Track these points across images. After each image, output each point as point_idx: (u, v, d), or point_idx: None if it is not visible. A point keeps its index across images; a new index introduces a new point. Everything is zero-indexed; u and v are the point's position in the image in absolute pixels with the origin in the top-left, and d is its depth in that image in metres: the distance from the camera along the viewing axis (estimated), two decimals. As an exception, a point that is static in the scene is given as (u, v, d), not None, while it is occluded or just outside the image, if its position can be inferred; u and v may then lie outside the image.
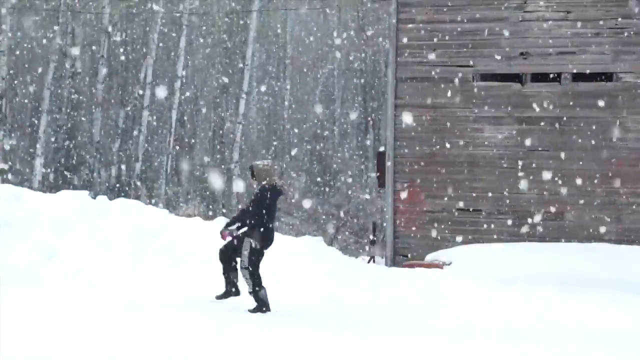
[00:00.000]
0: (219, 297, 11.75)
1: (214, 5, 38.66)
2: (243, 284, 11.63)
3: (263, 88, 40.05)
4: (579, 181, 18.03)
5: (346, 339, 9.68)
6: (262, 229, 11.42)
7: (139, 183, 33.31)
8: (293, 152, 37.24)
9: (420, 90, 19.00)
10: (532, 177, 18.28)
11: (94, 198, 16.21)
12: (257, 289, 11.40)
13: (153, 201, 30.41)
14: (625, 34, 17.97)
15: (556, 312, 12.81)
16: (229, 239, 11.51)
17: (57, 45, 32.01)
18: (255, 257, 11.45)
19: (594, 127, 18.03)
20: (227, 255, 11.66)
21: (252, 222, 11.40)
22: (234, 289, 11.69)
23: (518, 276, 15.03)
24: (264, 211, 11.40)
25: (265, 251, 11.58)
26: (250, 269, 11.41)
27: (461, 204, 18.65)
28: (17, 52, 35.32)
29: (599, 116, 18.06)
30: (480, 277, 14.74)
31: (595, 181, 17.96)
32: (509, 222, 18.37)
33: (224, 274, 11.73)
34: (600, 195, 17.97)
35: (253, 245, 11.41)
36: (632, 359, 9.85)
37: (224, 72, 38.47)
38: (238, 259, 11.52)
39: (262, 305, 11.41)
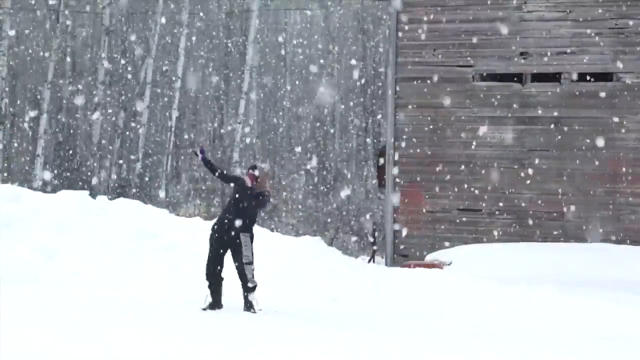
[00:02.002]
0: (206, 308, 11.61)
1: (214, 5, 38.65)
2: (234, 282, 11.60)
3: (263, 88, 40.03)
4: (579, 181, 18.04)
5: (346, 339, 9.68)
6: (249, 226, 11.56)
7: (139, 183, 33.30)
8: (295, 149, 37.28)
9: (420, 90, 18.99)
10: (532, 177, 18.28)
11: (94, 198, 16.22)
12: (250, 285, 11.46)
13: (153, 201, 30.40)
14: (625, 34, 17.97)
15: (556, 312, 12.81)
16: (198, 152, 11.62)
17: (57, 45, 31.99)
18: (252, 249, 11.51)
19: (594, 127, 18.03)
20: (216, 273, 11.60)
21: (247, 219, 11.46)
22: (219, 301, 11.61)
23: (518, 276, 15.04)
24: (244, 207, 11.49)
25: None
26: (253, 263, 11.45)
27: (461, 204, 18.65)
28: (17, 52, 35.31)
29: (599, 116, 18.06)
30: (480, 277, 14.75)
31: (595, 181, 17.95)
32: (509, 222, 18.37)
33: (210, 287, 11.61)
34: (600, 195, 17.97)
35: (248, 239, 11.45)
36: (632, 359, 9.85)
37: (223, 72, 38.46)
38: (243, 259, 11.46)
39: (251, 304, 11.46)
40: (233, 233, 11.37)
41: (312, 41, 41.69)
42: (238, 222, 11.36)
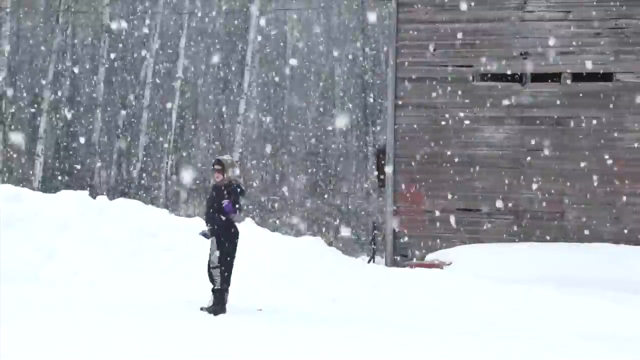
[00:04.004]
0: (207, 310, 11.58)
1: (214, 5, 38.65)
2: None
3: (263, 87, 40.03)
4: (579, 181, 18.03)
5: (346, 339, 9.68)
6: (233, 226, 11.46)
7: (138, 183, 33.30)
8: (293, 151, 37.26)
9: (420, 90, 18.99)
10: (532, 177, 18.28)
11: (94, 198, 16.21)
12: (222, 288, 11.36)
13: (153, 201, 30.40)
14: (625, 34, 17.97)
15: (556, 312, 12.81)
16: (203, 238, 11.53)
17: (57, 45, 31.99)
18: (228, 255, 11.38)
19: (594, 127, 18.03)
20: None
21: (214, 222, 11.37)
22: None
23: (518, 276, 15.04)
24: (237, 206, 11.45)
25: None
26: (223, 268, 11.33)
27: (461, 204, 18.65)
28: (17, 52, 35.31)
29: (599, 116, 18.05)
30: (480, 277, 14.74)
31: (595, 181, 17.95)
32: (509, 222, 18.37)
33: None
34: (600, 195, 17.97)
35: (214, 245, 11.36)
36: (632, 359, 9.85)
37: (224, 72, 38.47)
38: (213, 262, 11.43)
39: (219, 304, 11.34)
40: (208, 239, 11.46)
41: (312, 40, 41.68)
42: (208, 228, 11.48)
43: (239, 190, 11.48)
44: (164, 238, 14.93)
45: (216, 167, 11.53)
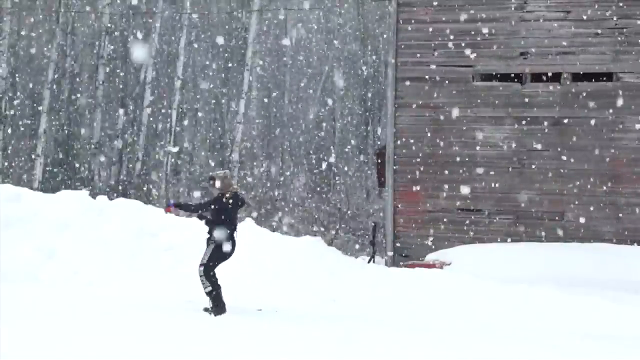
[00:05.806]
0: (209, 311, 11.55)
1: (213, 5, 38.65)
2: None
3: (263, 88, 40.04)
4: (579, 181, 18.03)
5: (346, 339, 9.68)
6: (228, 237, 11.37)
7: (139, 183, 33.29)
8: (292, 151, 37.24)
9: (420, 90, 19.00)
10: (532, 177, 18.29)
11: (94, 198, 16.22)
12: (213, 290, 11.29)
13: (153, 201, 30.39)
14: (625, 34, 17.97)
15: (556, 312, 12.81)
16: (169, 212, 11.57)
17: (57, 45, 31.99)
18: (215, 261, 11.34)
19: (594, 127, 18.03)
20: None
21: (221, 230, 11.33)
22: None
23: (518, 276, 15.05)
24: (228, 220, 11.39)
25: (228, 258, 11.50)
26: (208, 267, 11.29)
27: (461, 204, 18.65)
28: (17, 52, 35.30)
29: (599, 116, 18.05)
30: (480, 277, 14.75)
31: (595, 181, 17.95)
32: (509, 222, 18.37)
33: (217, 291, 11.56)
34: (600, 195, 17.97)
35: (216, 249, 11.32)
36: (632, 359, 9.86)
37: (224, 73, 38.46)
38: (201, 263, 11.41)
39: (218, 305, 11.28)
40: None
41: (312, 40, 41.70)
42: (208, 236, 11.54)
43: (230, 203, 11.46)
44: (164, 238, 14.95)
45: (211, 182, 11.68)
